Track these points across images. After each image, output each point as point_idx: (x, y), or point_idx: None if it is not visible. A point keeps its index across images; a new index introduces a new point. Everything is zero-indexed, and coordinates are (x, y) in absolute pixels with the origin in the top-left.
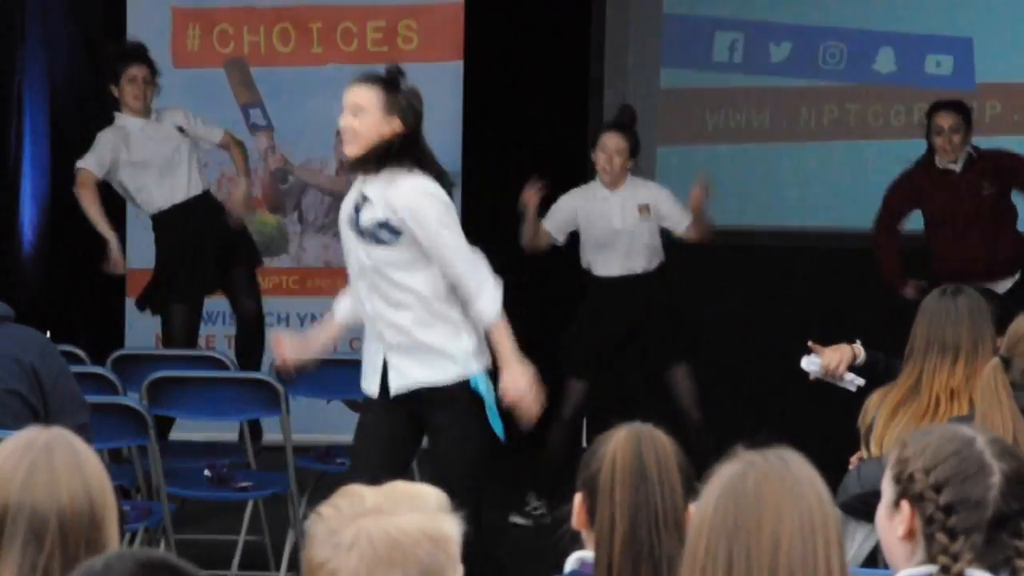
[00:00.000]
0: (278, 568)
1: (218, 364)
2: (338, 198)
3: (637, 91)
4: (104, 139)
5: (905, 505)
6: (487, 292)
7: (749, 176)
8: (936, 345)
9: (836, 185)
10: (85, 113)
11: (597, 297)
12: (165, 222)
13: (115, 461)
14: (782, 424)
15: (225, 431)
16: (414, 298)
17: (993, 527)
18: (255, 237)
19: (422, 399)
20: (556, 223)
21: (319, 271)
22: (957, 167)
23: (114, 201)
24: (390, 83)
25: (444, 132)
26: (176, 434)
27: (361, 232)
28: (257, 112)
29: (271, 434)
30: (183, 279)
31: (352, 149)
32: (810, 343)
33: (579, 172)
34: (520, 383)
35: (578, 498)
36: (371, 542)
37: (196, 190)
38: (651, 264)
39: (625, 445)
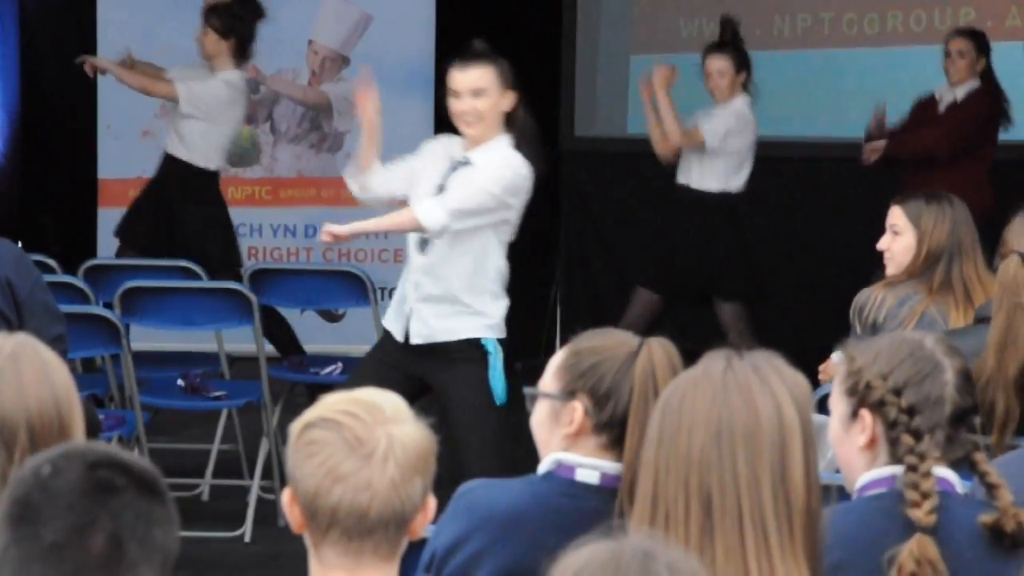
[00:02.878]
0: (251, 477)
1: (190, 274)
2: (310, 108)
3: (611, 1)
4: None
5: (866, 414)
6: (432, 205)
7: None
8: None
9: (810, 94)
10: (54, 25)
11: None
12: (165, 169)
13: (88, 370)
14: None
15: (199, 341)
16: (471, 259)
17: (953, 423)
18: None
19: (435, 352)
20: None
21: (292, 181)
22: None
23: (85, 110)
24: (493, 57)
25: (416, 41)
26: (149, 344)
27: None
28: None
29: (245, 344)
30: (142, 232)
31: (478, 129)
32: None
33: (555, 81)
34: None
35: (578, 405)
36: (404, 450)
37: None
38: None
39: (662, 357)
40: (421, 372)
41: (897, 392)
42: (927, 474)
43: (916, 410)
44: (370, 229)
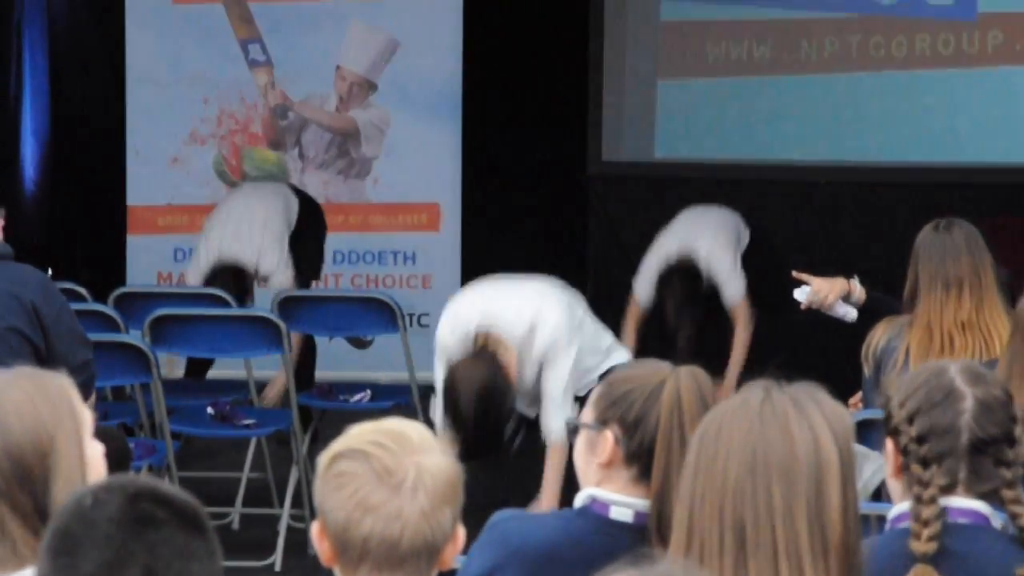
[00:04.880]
0: (281, 505)
1: (220, 301)
2: (338, 134)
3: (638, 24)
4: None
5: (889, 442)
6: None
7: (750, 109)
8: (939, 281)
9: (837, 118)
10: (84, 52)
11: None
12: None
13: (118, 399)
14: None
15: (228, 368)
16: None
17: (972, 454)
18: (254, 173)
19: None
20: None
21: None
22: None
23: (114, 137)
24: None
25: (444, 66)
26: (178, 371)
27: None
28: (256, 47)
29: (275, 371)
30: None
31: None
32: (794, 273)
33: (582, 106)
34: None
35: (609, 434)
36: (434, 479)
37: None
38: None
39: (690, 385)
40: None
41: (910, 420)
42: (930, 501)
43: (925, 438)
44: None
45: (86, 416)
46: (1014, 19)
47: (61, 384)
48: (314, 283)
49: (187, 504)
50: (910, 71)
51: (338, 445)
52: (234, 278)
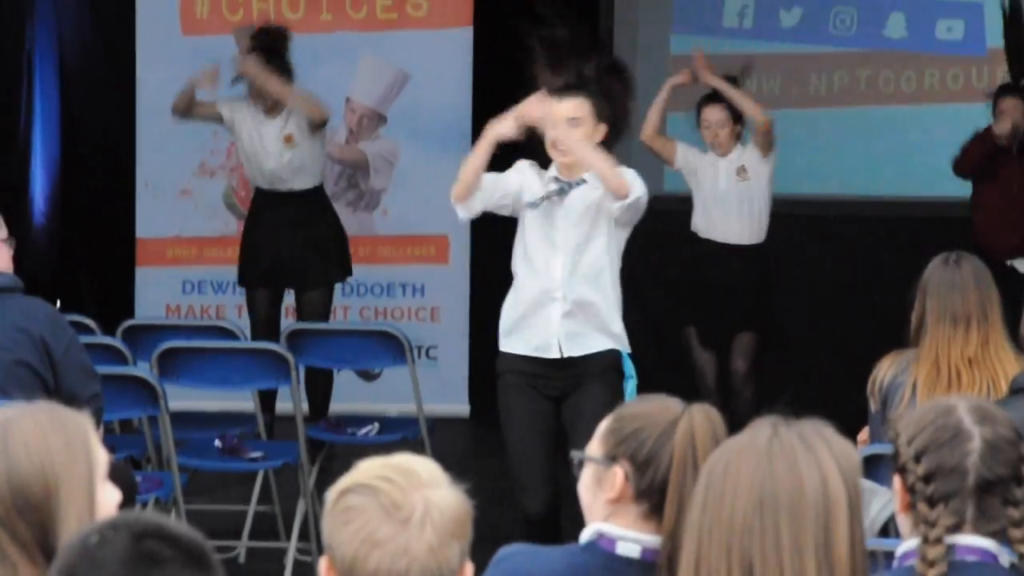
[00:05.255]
0: (288, 538)
1: (228, 334)
2: (347, 167)
3: (647, 57)
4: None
5: (896, 479)
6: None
7: None
8: (947, 316)
9: (848, 152)
10: (94, 84)
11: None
12: (262, 203)
13: (126, 431)
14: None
15: (236, 400)
16: (607, 276)
17: (980, 494)
18: None
19: (586, 365)
20: (683, 150)
21: None
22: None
23: (123, 169)
24: (591, 90)
25: (453, 98)
26: (186, 404)
27: (568, 212)
28: None
29: (282, 403)
30: (265, 265)
31: (570, 157)
32: None
33: None
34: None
35: (619, 470)
36: (441, 514)
37: (304, 183)
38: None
39: (703, 424)
40: (572, 378)
41: (917, 459)
42: (936, 541)
43: (932, 478)
44: (579, 153)
45: (102, 458)
46: None
47: (80, 423)
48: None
49: (193, 541)
50: (920, 105)
51: (346, 480)
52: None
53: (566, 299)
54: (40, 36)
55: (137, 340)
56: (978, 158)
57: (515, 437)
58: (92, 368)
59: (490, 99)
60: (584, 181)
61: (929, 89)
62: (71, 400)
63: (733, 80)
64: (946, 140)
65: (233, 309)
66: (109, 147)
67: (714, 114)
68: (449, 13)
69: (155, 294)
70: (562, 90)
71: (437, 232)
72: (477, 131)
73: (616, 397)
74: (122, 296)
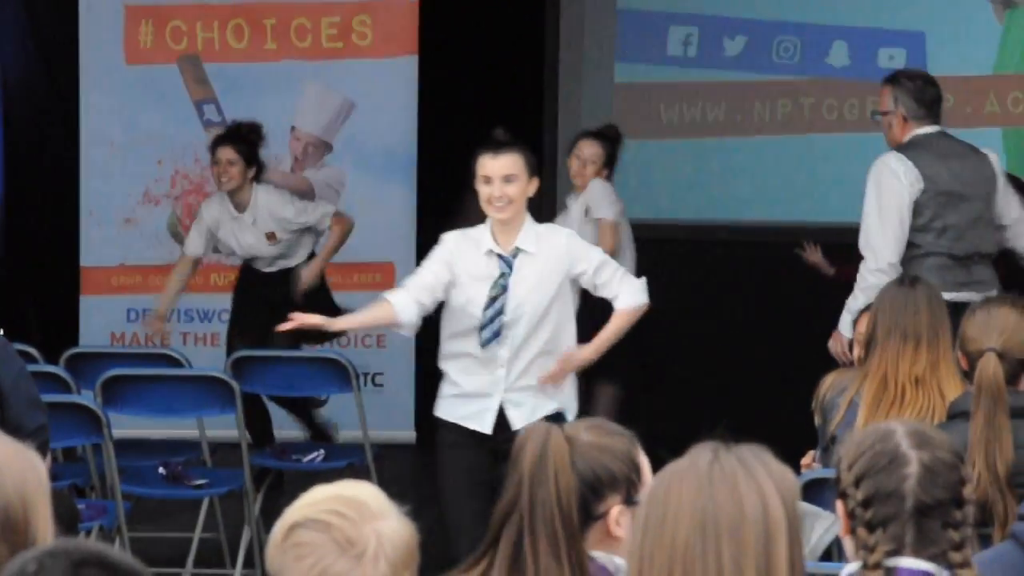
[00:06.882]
0: (234, 565)
1: (172, 362)
2: (292, 194)
3: (592, 86)
4: (206, 213)
5: (839, 503)
6: (634, 284)
7: (704, 170)
8: (897, 332)
9: (791, 179)
10: (36, 110)
11: None
12: (247, 278)
13: (69, 459)
14: (741, 417)
15: (181, 428)
16: (566, 332)
17: (918, 517)
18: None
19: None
20: None
21: None
22: None
23: (68, 197)
24: (521, 145)
25: (398, 127)
26: (130, 432)
27: (515, 296)
28: (211, 108)
29: (225, 431)
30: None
31: (508, 213)
32: None
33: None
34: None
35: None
36: (394, 548)
37: (299, 258)
38: None
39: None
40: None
41: (856, 484)
42: (876, 566)
43: (870, 503)
44: (583, 362)
45: (48, 482)
46: (963, 83)
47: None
48: None
49: (132, 569)
50: (863, 133)
51: (294, 514)
52: None
53: (511, 389)
54: None
55: (81, 368)
56: None
57: (448, 493)
58: (39, 399)
59: (435, 127)
60: (521, 251)
61: (872, 117)
62: (15, 431)
63: None
64: None
65: (178, 337)
66: (53, 176)
67: (591, 149)
68: (394, 42)
69: (100, 322)
70: (496, 147)
71: (382, 259)
72: (423, 158)
73: None
74: (67, 324)
